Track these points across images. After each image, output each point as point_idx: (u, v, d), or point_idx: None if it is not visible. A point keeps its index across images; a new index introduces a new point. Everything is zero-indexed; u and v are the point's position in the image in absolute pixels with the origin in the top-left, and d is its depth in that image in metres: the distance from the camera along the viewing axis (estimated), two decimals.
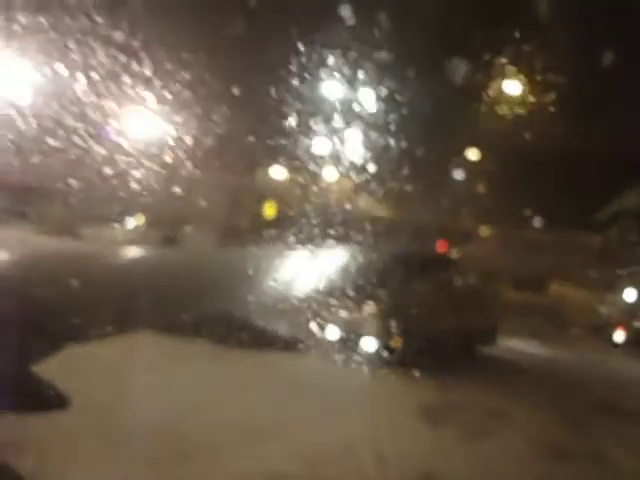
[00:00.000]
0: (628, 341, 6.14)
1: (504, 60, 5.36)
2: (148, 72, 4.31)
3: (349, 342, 4.93)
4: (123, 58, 4.17)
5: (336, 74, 4.88)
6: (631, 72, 5.20)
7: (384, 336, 5.16)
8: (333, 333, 4.97)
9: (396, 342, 5.17)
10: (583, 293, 6.67)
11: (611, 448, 4.15)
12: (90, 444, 3.33)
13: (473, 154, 5.69)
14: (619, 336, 6.14)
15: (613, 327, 6.18)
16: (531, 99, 5.58)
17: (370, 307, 5.34)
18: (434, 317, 5.51)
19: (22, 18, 3.75)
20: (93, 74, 4.13)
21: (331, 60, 4.80)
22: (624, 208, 6.06)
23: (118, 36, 4.17)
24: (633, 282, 6.16)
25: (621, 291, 6.28)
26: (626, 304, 6.27)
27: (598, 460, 4.06)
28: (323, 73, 4.87)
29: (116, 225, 5.12)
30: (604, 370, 5.62)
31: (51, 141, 4.12)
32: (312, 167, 5.19)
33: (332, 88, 4.96)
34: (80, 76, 4.11)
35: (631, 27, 5.07)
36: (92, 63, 4.09)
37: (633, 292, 6.33)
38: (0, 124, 3.68)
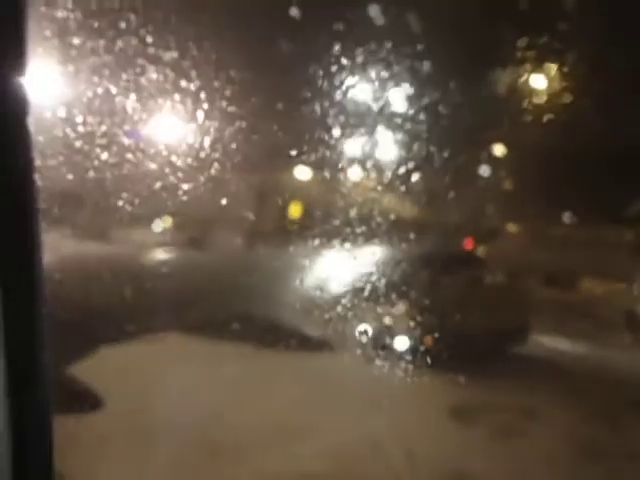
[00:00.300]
0: None
1: (531, 53, 5.28)
2: (181, 75, 4.38)
3: (380, 341, 4.92)
4: (154, 57, 4.25)
5: (361, 72, 4.87)
6: None
7: (415, 335, 5.14)
8: (363, 332, 4.97)
9: (427, 341, 5.15)
10: (615, 289, 6.54)
11: None
12: (121, 444, 3.38)
13: (499, 150, 5.61)
14: None
15: None
16: (559, 93, 5.49)
17: (400, 306, 5.32)
18: (465, 315, 5.47)
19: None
20: (124, 74, 4.22)
21: (357, 57, 4.79)
22: None
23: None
24: None
25: None
26: None
27: (632, 459, 3.98)
28: (349, 72, 4.86)
29: (144, 228, 5.20)
30: (638, 368, 5.50)
31: (80, 141, 4.22)
32: (337, 167, 5.18)
33: (358, 87, 4.95)
34: (111, 76, 4.20)
35: None
36: (123, 62, 4.18)
37: None
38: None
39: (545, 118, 5.40)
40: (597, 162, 5.21)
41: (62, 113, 4.06)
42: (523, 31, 5.04)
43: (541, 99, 5.48)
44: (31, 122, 1.10)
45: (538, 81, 5.45)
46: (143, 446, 3.39)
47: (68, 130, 4.05)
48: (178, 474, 3.45)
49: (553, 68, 5.41)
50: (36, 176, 0.96)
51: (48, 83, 3.83)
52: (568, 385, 4.99)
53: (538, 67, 5.39)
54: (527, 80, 5.40)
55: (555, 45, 5.18)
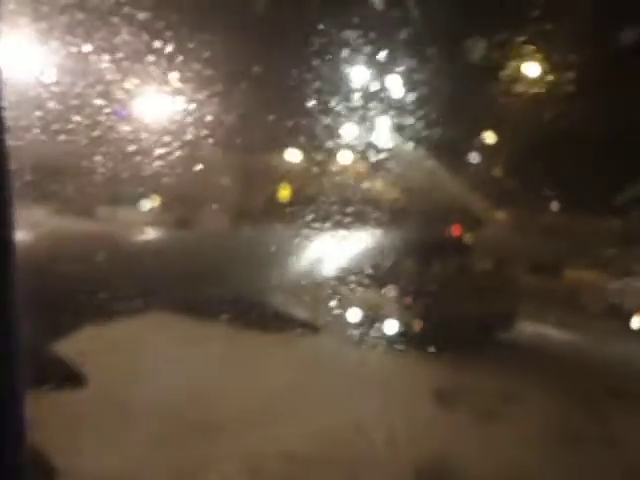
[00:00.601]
0: None
1: (522, 40, 5.27)
2: (169, 51, 4.31)
3: (368, 324, 4.95)
4: (146, 37, 4.18)
5: (353, 54, 4.84)
6: None
7: (404, 318, 5.17)
8: (351, 315, 4.99)
9: (416, 325, 5.18)
10: (601, 277, 6.61)
11: (623, 432, 4.14)
12: (103, 422, 3.38)
13: (490, 137, 5.62)
14: (636, 322, 6.09)
15: (631, 312, 6.14)
16: (549, 80, 5.50)
17: (389, 289, 5.34)
18: (452, 301, 5.51)
19: None
20: (117, 53, 4.14)
21: (349, 40, 4.76)
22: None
23: (141, 16, 4.17)
24: None
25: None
26: None
27: (609, 444, 4.06)
28: (340, 54, 4.82)
29: (131, 206, 5.15)
30: (620, 354, 5.59)
31: (66, 120, 4.16)
32: (327, 149, 5.17)
33: (349, 69, 4.91)
34: (104, 55, 4.12)
35: None
36: (116, 42, 4.11)
37: None
38: (23, 102, 3.71)
39: (535, 105, 5.42)
40: (586, 151, 5.23)
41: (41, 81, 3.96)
42: (510, 21, 5.04)
43: (532, 86, 5.50)
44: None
45: (530, 68, 5.46)
46: (125, 424, 3.40)
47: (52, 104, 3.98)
48: (161, 453, 3.46)
49: (543, 55, 5.42)
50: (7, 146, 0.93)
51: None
52: (551, 370, 5.06)
53: (527, 56, 5.40)
54: (518, 67, 5.41)
55: (543, 30, 5.18)
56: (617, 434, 4.15)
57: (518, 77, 5.48)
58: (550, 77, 5.51)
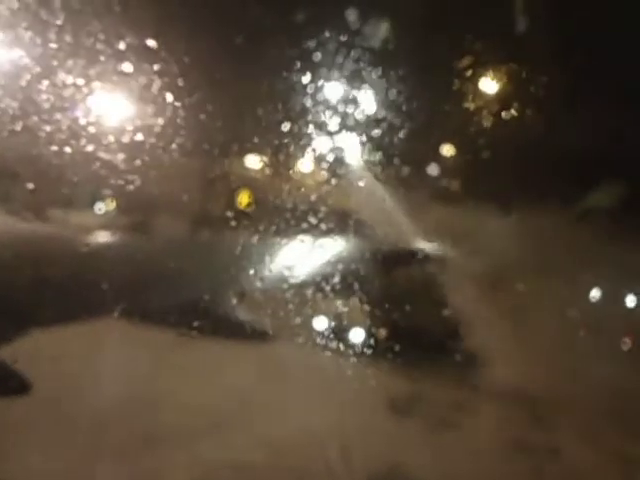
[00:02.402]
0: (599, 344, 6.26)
1: (481, 57, 5.40)
2: (128, 54, 4.26)
3: (330, 332, 4.95)
4: (102, 36, 4.12)
5: (316, 65, 4.87)
6: (605, 71, 5.29)
7: (365, 327, 5.18)
8: (314, 323, 4.98)
9: (380, 333, 5.19)
10: (555, 290, 6.75)
11: (569, 442, 4.25)
12: (50, 430, 3.29)
13: (449, 150, 5.72)
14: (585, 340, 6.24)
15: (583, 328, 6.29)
16: (507, 97, 5.64)
17: (348, 297, 5.35)
18: (415, 310, 5.54)
19: None
20: (70, 53, 4.07)
21: (314, 51, 4.80)
22: (594, 206, 6.16)
23: (100, 15, 4.11)
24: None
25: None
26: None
27: (554, 453, 4.17)
28: (304, 63, 4.85)
29: (85, 209, 5.05)
30: (573, 365, 5.71)
31: (21, 119, 4.07)
32: (289, 156, 5.17)
33: (312, 79, 4.94)
34: (56, 54, 4.05)
35: (610, 22, 5.17)
36: (70, 41, 4.04)
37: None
38: None
39: (491, 120, 5.55)
40: (542, 162, 5.38)
41: None
42: (472, 38, 5.16)
43: (488, 102, 5.63)
44: None
45: (488, 84, 5.59)
46: (72, 433, 3.31)
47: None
48: (111, 462, 3.38)
49: (500, 73, 5.57)
50: None
51: None
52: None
53: (487, 72, 5.53)
54: (476, 84, 5.54)
55: (503, 51, 5.33)
56: (561, 444, 4.26)
57: (478, 94, 5.60)
58: (507, 94, 5.65)
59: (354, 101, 5.09)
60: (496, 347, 5.85)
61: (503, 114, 5.62)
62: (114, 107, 4.46)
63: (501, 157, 5.43)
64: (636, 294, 6.71)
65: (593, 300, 6.41)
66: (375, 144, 5.22)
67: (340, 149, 5.18)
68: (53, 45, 4.06)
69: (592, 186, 5.89)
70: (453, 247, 6.73)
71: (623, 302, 6.70)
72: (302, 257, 4.90)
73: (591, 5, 5.05)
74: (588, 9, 5.00)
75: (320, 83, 4.91)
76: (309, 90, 4.89)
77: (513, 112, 5.62)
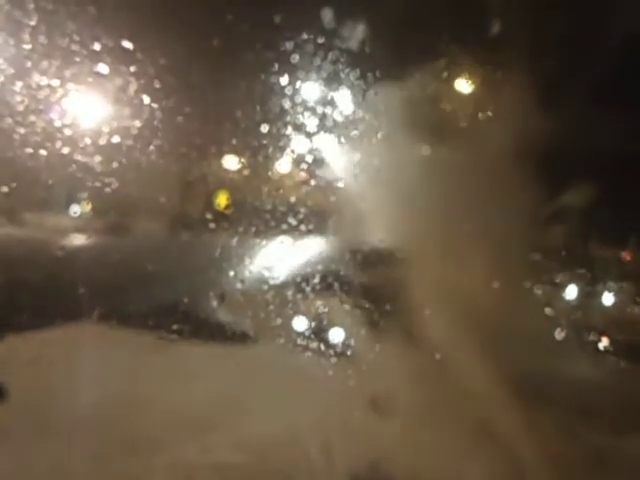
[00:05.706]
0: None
1: (456, 58, 5.48)
2: (103, 56, 4.22)
3: (303, 333, 4.95)
4: (77, 37, 4.07)
5: (294, 67, 4.88)
6: (578, 71, 5.43)
7: (345, 327, 5.19)
8: (294, 323, 4.98)
9: (362, 333, 5.20)
10: (527, 292, 6.83)
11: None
12: (26, 436, 3.24)
13: (425, 150, 5.77)
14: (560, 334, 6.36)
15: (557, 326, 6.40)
16: (480, 97, 5.72)
17: (331, 298, 5.36)
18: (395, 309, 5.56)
19: None
20: (45, 54, 4.02)
21: (292, 53, 4.81)
22: (566, 205, 6.29)
23: (74, 15, 4.07)
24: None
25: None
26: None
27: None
28: (282, 65, 4.85)
29: (61, 212, 4.98)
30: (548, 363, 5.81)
31: None
32: (267, 157, 5.17)
33: (289, 81, 4.95)
34: (30, 55, 3.99)
35: (585, 25, 5.30)
36: (44, 42, 3.98)
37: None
38: None
39: (465, 122, 5.62)
40: (513, 165, 5.46)
41: None
42: (448, 40, 5.24)
43: (463, 104, 5.70)
44: None
45: (462, 85, 5.67)
46: (49, 439, 3.26)
47: None
48: (89, 467, 3.34)
49: (474, 72, 5.65)
50: None
51: None
52: None
53: (461, 73, 5.61)
54: (452, 84, 5.61)
55: (478, 53, 5.41)
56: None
57: (450, 95, 5.68)
58: (481, 94, 5.74)
59: (332, 102, 5.12)
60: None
61: (479, 115, 5.71)
62: (90, 109, 4.41)
63: (477, 157, 5.50)
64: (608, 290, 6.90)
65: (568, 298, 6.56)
66: (353, 145, 5.26)
67: (319, 150, 5.20)
68: (27, 46, 4.00)
69: (564, 186, 6.02)
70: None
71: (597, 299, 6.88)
72: (282, 258, 4.90)
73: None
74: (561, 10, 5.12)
75: (298, 85, 4.92)
76: (287, 92, 4.90)
77: (488, 113, 5.70)
